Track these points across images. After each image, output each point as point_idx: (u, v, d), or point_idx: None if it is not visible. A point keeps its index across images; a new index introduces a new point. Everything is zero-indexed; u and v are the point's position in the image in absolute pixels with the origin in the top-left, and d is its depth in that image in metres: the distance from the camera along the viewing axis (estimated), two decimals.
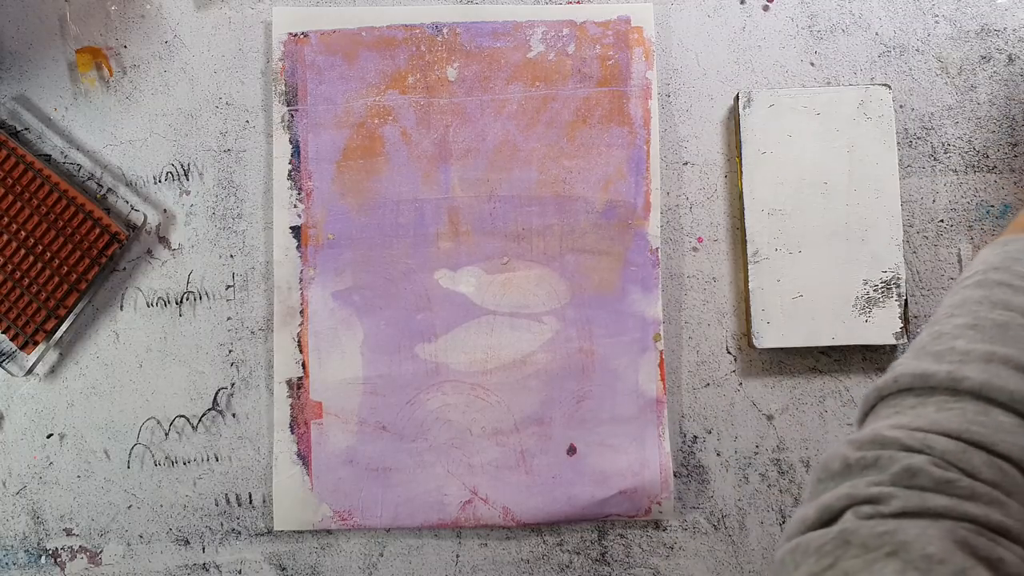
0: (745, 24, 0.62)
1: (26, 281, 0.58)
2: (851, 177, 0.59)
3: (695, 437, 0.60)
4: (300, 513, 0.59)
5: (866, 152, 0.59)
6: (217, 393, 0.60)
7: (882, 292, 0.58)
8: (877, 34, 0.62)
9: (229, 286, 0.61)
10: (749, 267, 0.59)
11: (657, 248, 0.60)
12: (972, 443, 0.33)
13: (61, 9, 0.62)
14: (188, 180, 0.61)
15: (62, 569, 0.60)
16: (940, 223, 0.61)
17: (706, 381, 0.61)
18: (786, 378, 0.61)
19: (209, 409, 0.60)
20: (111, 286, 0.61)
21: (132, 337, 0.61)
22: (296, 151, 0.60)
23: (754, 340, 0.58)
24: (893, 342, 0.58)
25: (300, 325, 0.60)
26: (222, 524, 0.60)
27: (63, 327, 0.59)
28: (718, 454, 0.60)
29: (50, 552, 0.60)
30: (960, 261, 0.61)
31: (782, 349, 0.60)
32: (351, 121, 0.61)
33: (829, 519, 0.33)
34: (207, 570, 0.60)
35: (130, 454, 0.60)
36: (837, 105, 0.59)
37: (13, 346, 0.60)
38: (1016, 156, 0.61)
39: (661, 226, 0.61)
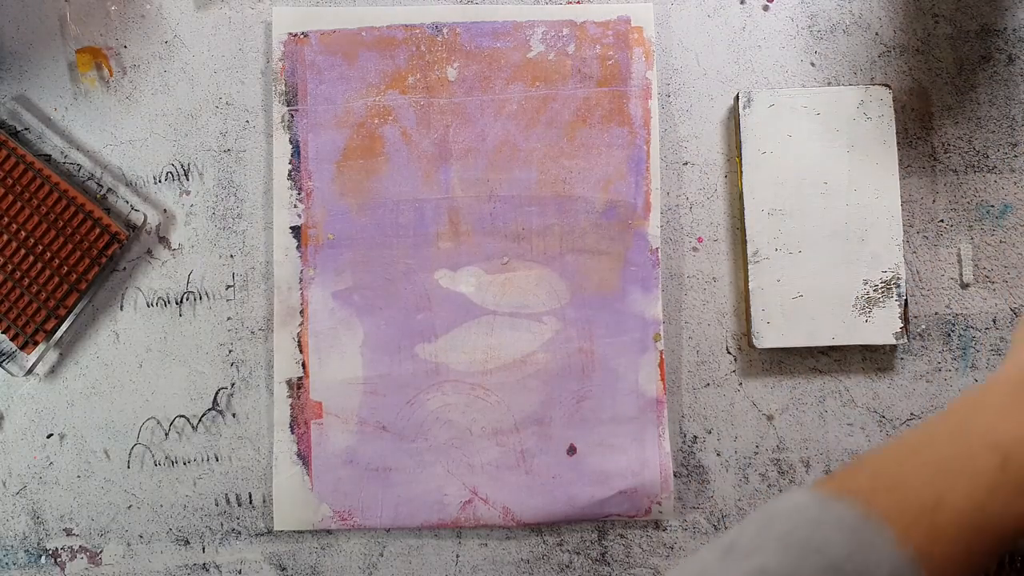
0: (745, 24, 0.62)
1: (26, 281, 0.58)
2: (851, 177, 0.59)
3: (695, 437, 0.60)
4: (300, 513, 0.59)
5: (866, 152, 0.59)
6: (217, 393, 0.60)
7: (882, 292, 0.58)
8: (877, 34, 0.62)
9: (229, 286, 0.61)
10: (749, 267, 0.59)
11: (657, 248, 0.60)
12: None
13: (61, 9, 0.62)
14: (188, 180, 0.61)
15: (62, 569, 0.60)
16: (940, 223, 0.61)
17: (706, 381, 0.61)
18: (786, 378, 0.61)
19: (209, 409, 0.60)
20: (111, 286, 0.61)
21: (132, 337, 0.61)
22: (296, 151, 0.60)
23: (754, 340, 0.58)
24: (893, 342, 0.58)
25: (300, 325, 0.60)
26: (222, 524, 0.60)
27: (63, 327, 0.59)
28: (718, 454, 0.60)
29: (50, 552, 0.60)
30: (960, 261, 0.61)
31: (782, 349, 0.60)
32: (351, 121, 0.61)
33: None
34: (207, 570, 0.60)
35: (130, 454, 0.60)
36: (837, 105, 0.59)
37: (13, 346, 0.60)
38: (1016, 156, 0.61)
39: (661, 226, 0.61)
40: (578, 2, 0.62)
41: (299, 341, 0.60)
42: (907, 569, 0.33)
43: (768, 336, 0.58)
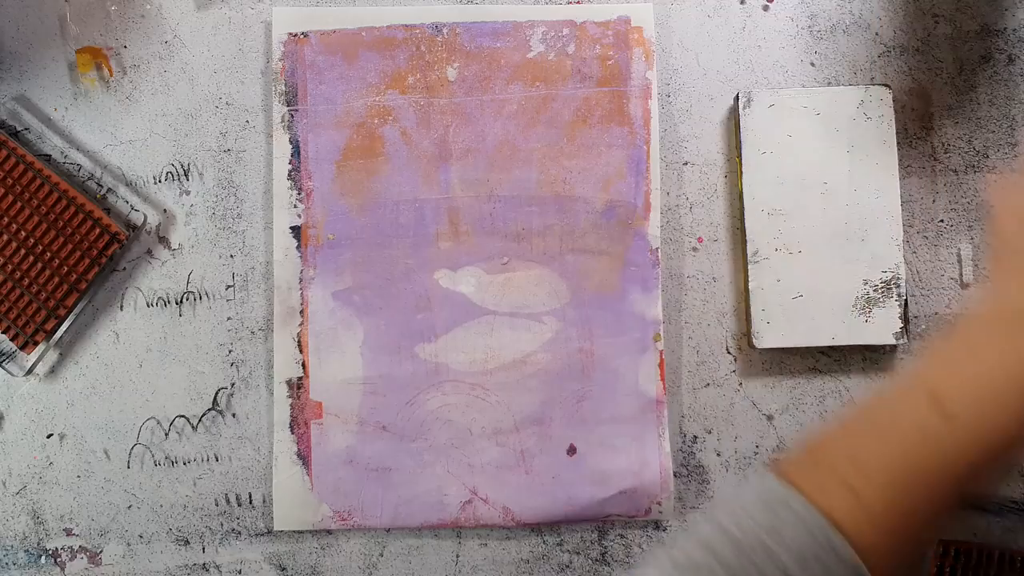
0: (745, 24, 0.62)
1: (26, 281, 0.58)
2: (851, 177, 0.59)
3: (695, 437, 0.60)
4: (300, 513, 0.59)
5: (866, 152, 0.59)
6: (217, 393, 0.60)
7: (882, 292, 0.58)
8: (877, 34, 0.62)
9: (229, 286, 0.61)
10: (749, 267, 0.59)
11: (657, 248, 0.60)
12: None
13: (61, 9, 0.62)
14: (188, 180, 0.61)
15: (62, 569, 0.60)
16: (940, 223, 0.61)
17: (706, 381, 0.61)
18: (786, 378, 0.61)
19: (209, 409, 0.60)
20: (111, 286, 0.61)
21: (132, 337, 0.61)
22: (296, 151, 0.60)
23: (754, 340, 0.58)
24: (893, 342, 0.58)
25: (300, 325, 0.60)
26: (222, 524, 0.60)
27: (63, 327, 0.59)
28: (718, 454, 0.60)
29: (50, 552, 0.60)
30: (960, 261, 0.61)
31: (782, 349, 0.60)
32: (351, 121, 0.61)
33: None
34: (207, 570, 0.60)
35: (130, 454, 0.60)
36: (837, 105, 0.59)
37: (13, 346, 0.60)
38: (1016, 156, 0.61)
39: (661, 226, 0.61)
40: (578, 2, 0.62)
41: (299, 341, 0.60)
42: (821, 534, 0.34)
43: (768, 336, 0.58)
